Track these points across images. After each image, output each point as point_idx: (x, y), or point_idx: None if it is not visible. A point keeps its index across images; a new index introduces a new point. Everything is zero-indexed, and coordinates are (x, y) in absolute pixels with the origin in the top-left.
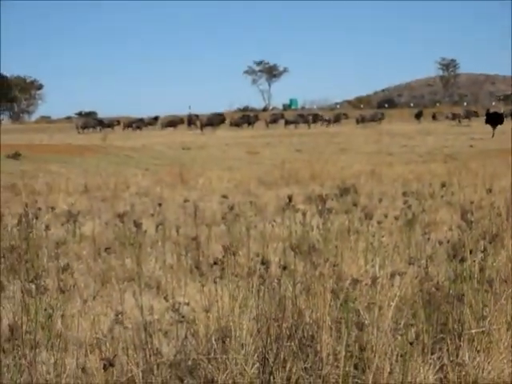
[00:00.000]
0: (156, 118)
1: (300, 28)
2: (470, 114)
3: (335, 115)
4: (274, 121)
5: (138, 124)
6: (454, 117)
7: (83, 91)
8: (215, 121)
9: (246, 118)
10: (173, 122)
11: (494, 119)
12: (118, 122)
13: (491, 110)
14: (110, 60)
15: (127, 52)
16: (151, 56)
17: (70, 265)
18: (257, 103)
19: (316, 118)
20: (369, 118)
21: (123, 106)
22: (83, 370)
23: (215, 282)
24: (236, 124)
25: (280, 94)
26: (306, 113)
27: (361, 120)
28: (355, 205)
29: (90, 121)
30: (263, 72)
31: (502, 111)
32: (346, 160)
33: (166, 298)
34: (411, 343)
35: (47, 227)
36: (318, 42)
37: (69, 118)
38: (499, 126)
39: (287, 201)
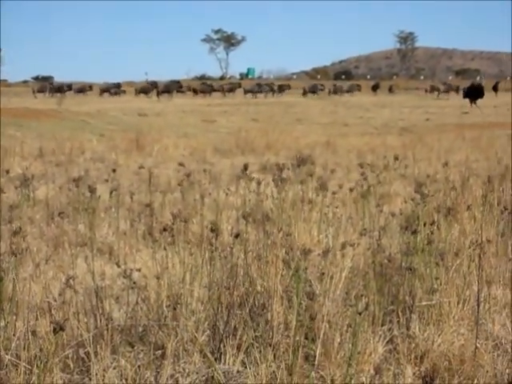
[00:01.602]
0: (118, 86)
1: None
2: (450, 88)
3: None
4: (231, 90)
5: (86, 89)
6: (432, 89)
7: (40, 56)
8: (172, 88)
9: (203, 86)
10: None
11: (474, 93)
12: (70, 88)
13: (475, 83)
14: (67, 24)
15: (87, 13)
16: (109, 18)
17: (22, 228)
18: (214, 72)
19: (272, 87)
20: (337, 90)
21: (79, 70)
22: (33, 333)
23: (165, 249)
24: (193, 92)
25: (237, 63)
26: (263, 82)
27: (333, 92)
28: (310, 175)
29: (45, 85)
30: (221, 40)
31: (483, 84)
32: (302, 130)
33: (117, 264)
34: (360, 313)
35: (1, 190)
36: (276, 11)
37: (25, 82)
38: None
39: (242, 169)
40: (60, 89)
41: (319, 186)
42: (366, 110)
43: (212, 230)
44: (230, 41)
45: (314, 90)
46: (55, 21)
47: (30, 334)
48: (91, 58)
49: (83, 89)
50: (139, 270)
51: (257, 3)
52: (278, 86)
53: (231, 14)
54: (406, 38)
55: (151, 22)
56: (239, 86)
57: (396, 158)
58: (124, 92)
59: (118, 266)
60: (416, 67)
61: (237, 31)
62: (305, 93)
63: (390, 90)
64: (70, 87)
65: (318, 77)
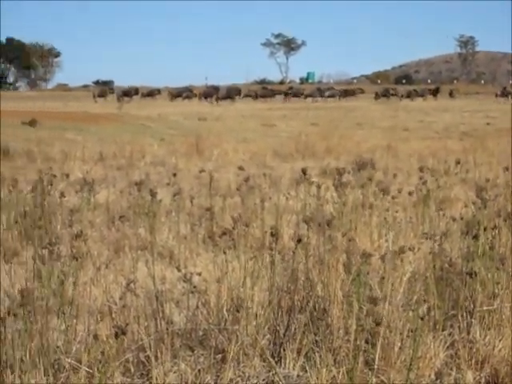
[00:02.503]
0: (190, 90)
1: (319, 1)
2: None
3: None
4: (291, 94)
5: (154, 94)
6: (504, 94)
7: (100, 60)
8: (233, 93)
9: (263, 90)
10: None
11: None
12: (137, 92)
13: None
14: (127, 30)
15: (146, 21)
16: (169, 25)
17: (83, 232)
18: (274, 76)
19: (332, 91)
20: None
21: (139, 75)
22: (95, 336)
23: (225, 253)
24: (254, 96)
25: (297, 68)
26: (323, 87)
27: (406, 96)
28: (370, 179)
29: (106, 89)
30: (281, 45)
31: None
32: (362, 134)
33: (178, 268)
34: (422, 318)
35: (62, 194)
36: (336, 16)
37: (86, 87)
38: None
39: (301, 173)
40: (127, 93)
41: (379, 190)
42: (426, 114)
43: (272, 235)
44: (290, 45)
45: (385, 94)
46: (116, 23)
47: (90, 337)
48: (150, 62)
49: (151, 93)
50: (199, 274)
51: (317, 7)
52: (344, 91)
53: (291, 19)
54: (467, 42)
55: (210, 24)
56: (298, 90)
57: (458, 163)
58: (195, 96)
59: (179, 270)
60: (476, 71)
61: (297, 35)
62: (377, 97)
63: (451, 94)
64: (136, 91)
65: (379, 81)
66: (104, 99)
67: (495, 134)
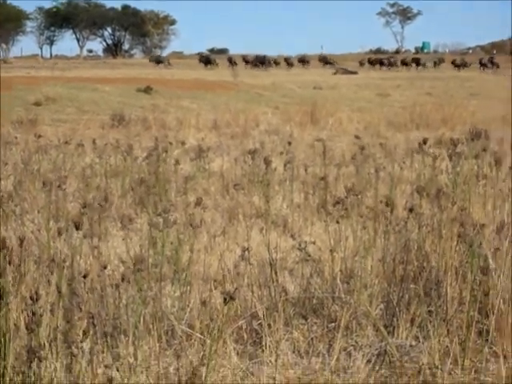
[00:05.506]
0: (304, 60)
1: None
2: None
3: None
4: (406, 63)
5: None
6: None
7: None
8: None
9: (378, 60)
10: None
11: None
12: (262, 61)
13: None
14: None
15: None
16: None
17: (199, 199)
18: (389, 45)
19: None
20: None
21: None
22: (203, 303)
23: (338, 222)
24: (371, 64)
25: (412, 37)
26: (438, 57)
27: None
28: (485, 150)
29: (213, 57)
30: (396, 14)
31: None
32: (478, 105)
33: (292, 237)
34: None
35: (177, 162)
36: None
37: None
38: None
39: (418, 144)
40: (262, 60)
41: (494, 161)
42: None
43: (387, 204)
44: (405, 14)
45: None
46: None
47: (204, 304)
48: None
49: (264, 61)
50: (313, 243)
51: None
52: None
53: None
54: None
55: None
56: (414, 59)
57: None
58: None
59: (293, 239)
60: None
61: (412, 4)
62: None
63: None
64: (262, 60)
65: (494, 51)
66: (216, 66)
67: None
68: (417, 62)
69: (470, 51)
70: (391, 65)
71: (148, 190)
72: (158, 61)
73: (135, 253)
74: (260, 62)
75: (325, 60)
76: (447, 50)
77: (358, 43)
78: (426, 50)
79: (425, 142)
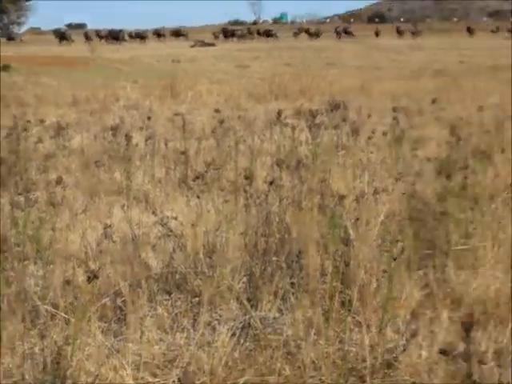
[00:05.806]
0: (160, 34)
1: None
2: None
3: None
4: (265, 34)
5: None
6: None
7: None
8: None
9: (231, 31)
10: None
11: None
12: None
13: None
14: None
15: None
16: None
17: (59, 178)
18: (247, 17)
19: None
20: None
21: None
22: (67, 282)
23: (198, 197)
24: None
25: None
26: (295, 27)
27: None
28: (344, 120)
29: (68, 32)
30: None
31: None
32: (335, 74)
33: (154, 212)
34: (395, 259)
35: (39, 140)
36: None
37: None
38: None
39: (276, 115)
40: (116, 35)
41: (353, 131)
42: (398, 53)
43: (246, 177)
44: None
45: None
46: None
47: (67, 283)
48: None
49: (140, 35)
50: (175, 218)
51: None
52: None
53: None
54: None
55: None
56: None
57: (433, 101)
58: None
59: (155, 214)
60: (449, 8)
61: None
62: (339, 35)
63: (415, 33)
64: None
65: (351, 20)
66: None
67: (469, 72)
68: (267, 33)
69: (328, 20)
70: (243, 37)
71: (8, 169)
72: (10, 38)
73: None
74: (114, 37)
75: (178, 33)
76: (304, 20)
77: (220, 15)
78: (284, 21)
79: (279, 113)
